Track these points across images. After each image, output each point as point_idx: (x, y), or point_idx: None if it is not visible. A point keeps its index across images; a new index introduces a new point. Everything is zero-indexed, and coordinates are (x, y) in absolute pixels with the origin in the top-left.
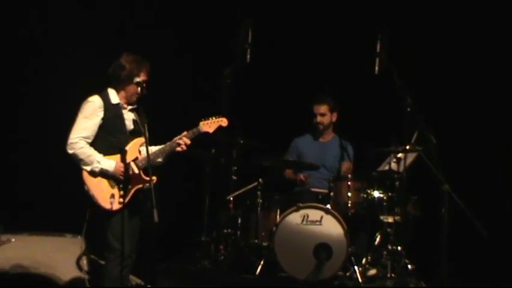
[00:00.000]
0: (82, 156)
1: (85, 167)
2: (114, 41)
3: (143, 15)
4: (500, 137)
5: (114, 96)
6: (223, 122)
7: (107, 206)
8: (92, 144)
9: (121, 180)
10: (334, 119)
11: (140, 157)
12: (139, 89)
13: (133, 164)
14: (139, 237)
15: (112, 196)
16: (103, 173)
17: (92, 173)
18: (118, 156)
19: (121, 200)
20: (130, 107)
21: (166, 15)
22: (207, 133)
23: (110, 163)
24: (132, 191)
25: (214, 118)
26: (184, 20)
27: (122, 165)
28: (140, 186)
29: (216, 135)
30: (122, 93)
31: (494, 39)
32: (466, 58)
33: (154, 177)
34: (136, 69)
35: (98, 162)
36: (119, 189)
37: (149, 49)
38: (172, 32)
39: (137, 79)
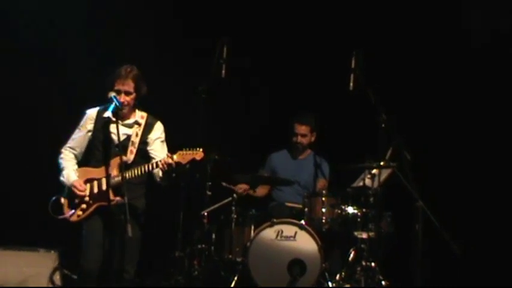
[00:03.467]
0: (59, 167)
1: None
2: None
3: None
4: (474, 152)
5: (108, 110)
6: (198, 155)
7: (66, 214)
8: (86, 156)
9: (75, 197)
10: (313, 139)
11: (114, 174)
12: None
13: (103, 181)
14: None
15: (75, 207)
16: (65, 186)
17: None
18: (97, 169)
19: (80, 213)
20: (127, 122)
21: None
22: (179, 163)
23: (70, 177)
24: (93, 207)
25: (189, 150)
26: (162, 33)
27: (78, 183)
28: (102, 203)
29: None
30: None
31: (470, 54)
32: (442, 75)
33: (118, 198)
34: (113, 78)
35: (63, 175)
36: (83, 203)
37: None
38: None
39: (113, 88)
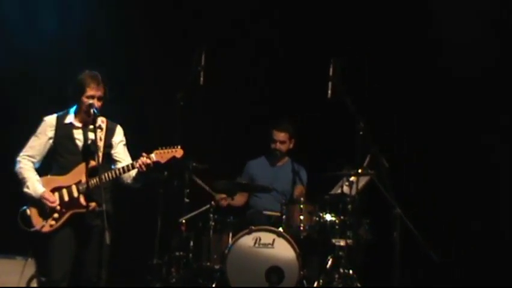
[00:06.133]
0: (19, 176)
1: (22, 189)
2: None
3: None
4: (452, 159)
5: (70, 116)
6: (178, 153)
7: (37, 226)
8: (47, 164)
9: (45, 208)
10: (291, 145)
11: (84, 180)
12: (89, 105)
13: (73, 187)
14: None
15: (46, 217)
16: (31, 198)
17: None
18: (62, 177)
19: (53, 222)
20: (90, 127)
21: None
22: (158, 163)
23: (37, 189)
24: (67, 215)
25: (168, 148)
26: (138, 41)
27: (48, 194)
28: (77, 211)
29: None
30: (78, 112)
31: (451, 60)
32: (420, 82)
33: (93, 203)
34: (83, 84)
35: (28, 186)
36: (54, 212)
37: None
38: (128, 52)
39: (86, 94)
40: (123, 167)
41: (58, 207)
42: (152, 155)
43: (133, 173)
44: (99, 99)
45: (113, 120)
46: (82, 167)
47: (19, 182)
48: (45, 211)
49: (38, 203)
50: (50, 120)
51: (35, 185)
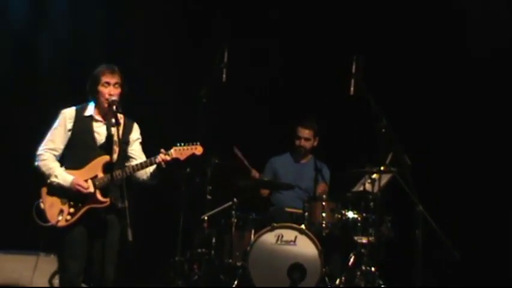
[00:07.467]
0: (43, 169)
1: (47, 180)
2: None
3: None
4: (472, 157)
5: (90, 109)
6: (198, 150)
7: (52, 220)
8: (62, 156)
9: (75, 196)
10: (316, 143)
11: (100, 176)
12: (112, 101)
13: (90, 182)
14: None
15: (61, 212)
16: (61, 188)
17: (52, 187)
18: (77, 171)
19: (69, 217)
20: (112, 121)
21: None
22: (177, 159)
23: (67, 178)
24: (83, 210)
25: (188, 145)
26: (161, 38)
27: (79, 182)
28: (93, 206)
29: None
30: (97, 105)
31: (469, 60)
32: (440, 80)
33: (107, 199)
34: (98, 73)
35: (56, 176)
36: (69, 207)
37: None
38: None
39: (102, 82)
40: (141, 163)
41: (72, 203)
42: (172, 151)
43: (150, 169)
44: (116, 86)
45: (131, 117)
46: (98, 161)
47: (42, 174)
48: (63, 202)
49: (63, 193)
50: (70, 112)
51: (63, 174)
